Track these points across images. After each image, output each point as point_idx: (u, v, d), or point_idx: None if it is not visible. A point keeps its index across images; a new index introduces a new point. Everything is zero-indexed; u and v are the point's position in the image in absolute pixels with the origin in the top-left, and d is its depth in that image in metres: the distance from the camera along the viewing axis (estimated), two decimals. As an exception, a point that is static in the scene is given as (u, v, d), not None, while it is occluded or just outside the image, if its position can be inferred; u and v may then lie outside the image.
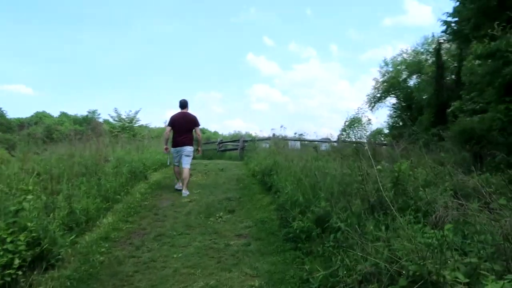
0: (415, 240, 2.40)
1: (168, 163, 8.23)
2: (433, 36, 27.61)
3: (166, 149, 7.78)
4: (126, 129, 22.55)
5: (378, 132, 42.81)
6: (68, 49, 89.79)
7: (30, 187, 4.42)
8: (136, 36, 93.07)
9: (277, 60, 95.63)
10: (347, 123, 42.67)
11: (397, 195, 3.69)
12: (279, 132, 16.42)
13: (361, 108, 37.98)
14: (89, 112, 54.92)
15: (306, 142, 17.70)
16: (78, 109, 79.52)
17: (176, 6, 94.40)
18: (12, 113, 63.30)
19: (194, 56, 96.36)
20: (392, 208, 2.96)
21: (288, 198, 5.37)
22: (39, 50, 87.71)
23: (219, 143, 21.03)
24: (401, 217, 2.93)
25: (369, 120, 39.31)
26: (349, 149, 11.27)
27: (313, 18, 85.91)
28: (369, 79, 77.40)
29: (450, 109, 21.64)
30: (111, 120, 24.64)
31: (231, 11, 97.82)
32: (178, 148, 7.54)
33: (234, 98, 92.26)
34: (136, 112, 23.37)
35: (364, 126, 41.75)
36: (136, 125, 24.50)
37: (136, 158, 9.22)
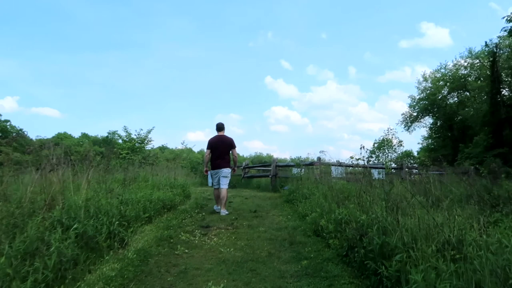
0: None
1: (209, 184, 7.92)
2: (486, 44, 22.96)
3: (206, 171, 7.77)
4: (136, 150, 18.58)
5: (407, 154, 38.09)
6: (93, 73, 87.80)
7: None
8: (157, 60, 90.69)
9: (295, 82, 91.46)
10: (376, 145, 38.11)
11: None
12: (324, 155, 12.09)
13: (391, 129, 33.45)
14: (109, 133, 51.56)
15: (350, 168, 12.91)
16: (100, 131, 76.21)
17: (195, 31, 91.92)
18: (40, 134, 60.82)
19: (213, 79, 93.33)
20: None
21: None
22: (66, 74, 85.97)
23: (245, 167, 16.71)
24: None
25: (401, 142, 34.71)
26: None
27: (329, 41, 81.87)
28: (389, 100, 72.77)
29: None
30: (120, 141, 20.75)
31: (249, 36, 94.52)
32: (216, 170, 7.43)
33: (253, 120, 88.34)
34: (149, 131, 19.35)
35: (395, 148, 37.09)
36: (150, 146, 20.49)
37: (116, 203, 5.07)
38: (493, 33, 53.24)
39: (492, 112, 22.28)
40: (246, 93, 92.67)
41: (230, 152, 7.52)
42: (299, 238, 5.02)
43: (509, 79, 22.76)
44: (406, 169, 12.25)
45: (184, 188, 9.02)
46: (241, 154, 57.86)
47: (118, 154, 18.71)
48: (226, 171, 7.37)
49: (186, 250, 4.38)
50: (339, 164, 11.28)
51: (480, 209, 4.25)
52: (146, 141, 19.34)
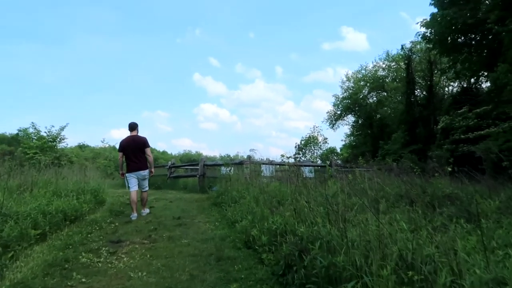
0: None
1: (127, 188, 7.14)
2: (401, 48, 24.26)
3: (122, 174, 7.32)
4: (47, 150, 16.45)
5: (331, 151, 39.44)
6: (2, 64, 78.38)
7: None
8: (76, 53, 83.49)
9: (224, 80, 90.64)
10: (303, 142, 38.82)
11: None
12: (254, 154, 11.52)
13: (316, 127, 34.29)
14: (19, 130, 46.24)
15: (281, 166, 12.41)
16: (10, 128, 67.75)
17: (120, 24, 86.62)
18: None
19: (139, 75, 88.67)
20: None
21: None
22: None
23: (170, 167, 15.56)
24: None
25: (326, 139, 35.64)
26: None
27: (257, 41, 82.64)
28: (313, 99, 75.66)
29: (440, 126, 18.15)
30: (30, 139, 18.30)
31: (177, 32, 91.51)
32: (133, 174, 6.99)
33: (182, 118, 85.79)
34: (62, 128, 17.27)
35: (320, 145, 38.04)
36: (63, 144, 18.35)
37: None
38: (404, 39, 57.70)
39: (408, 111, 23.51)
40: (174, 90, 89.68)
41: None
42: (227, 252, 4.27)
43: (421, 81, 24.25)
44: (335, 167, 12.13)
45: (96, 193, 7.79)
46: (169, 152, 55.56)
47: (25, 154, 16.47)
48: (144, 173, 7.09)
49: (84, 279, 3.40)
50: (270, 163, 10.76)
51: (423, 212, 3.87)
52: (58, 139, 17.27)
